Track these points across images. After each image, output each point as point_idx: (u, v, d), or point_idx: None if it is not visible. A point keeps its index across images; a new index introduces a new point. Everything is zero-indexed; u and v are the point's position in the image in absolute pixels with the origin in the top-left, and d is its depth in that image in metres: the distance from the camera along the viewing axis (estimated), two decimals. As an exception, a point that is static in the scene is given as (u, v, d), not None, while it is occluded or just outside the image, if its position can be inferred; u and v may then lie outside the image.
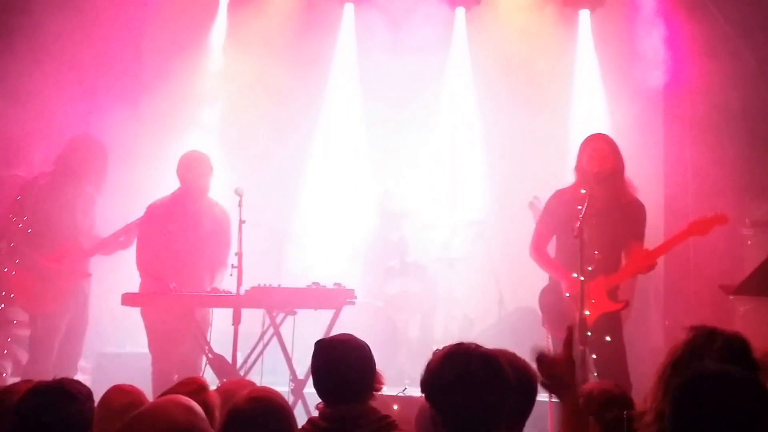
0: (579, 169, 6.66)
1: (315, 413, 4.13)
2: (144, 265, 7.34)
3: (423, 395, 3.44)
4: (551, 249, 6.89)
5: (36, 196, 7.42)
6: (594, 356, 6.20)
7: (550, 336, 6.71)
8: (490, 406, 3.30)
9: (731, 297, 8.14)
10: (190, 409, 2.88)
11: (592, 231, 6.18)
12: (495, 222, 9.38)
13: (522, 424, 3.76)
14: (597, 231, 6.31)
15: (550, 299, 6.72)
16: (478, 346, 3.43)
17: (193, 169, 7.44)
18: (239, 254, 6.77)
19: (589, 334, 5.83)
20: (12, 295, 7.40)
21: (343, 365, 4.00)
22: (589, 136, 6.83)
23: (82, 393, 3.36)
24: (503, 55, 10.20)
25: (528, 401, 3.78)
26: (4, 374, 7.81)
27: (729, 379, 2.85)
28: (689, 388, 2.86)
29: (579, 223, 5.88)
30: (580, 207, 6.04)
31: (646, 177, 8.41)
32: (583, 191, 6.34)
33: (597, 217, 6.34)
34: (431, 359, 3.42)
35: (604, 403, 4.23)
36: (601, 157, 6.56)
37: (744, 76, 8.83)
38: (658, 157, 9.48)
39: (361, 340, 4.12)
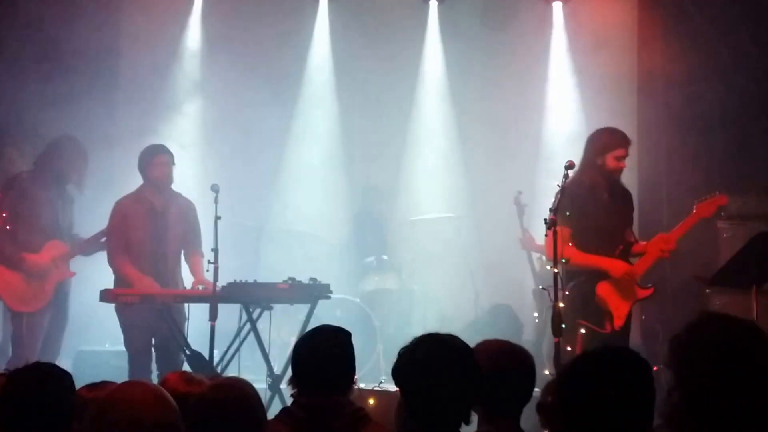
0: (598, 159, 6.61)
1: None
2: (115, 262, 7.32)
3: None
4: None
5: (17, 194, 7.38)
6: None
7: (583, 330, 6.52)
8: (459, 396, 3.31)
9: (708, 291, 8.19)
10: (158, 390, 2.86)
11: (616, 221, 6.34)
12: (472, 219, 9.39)
13: (518, 412, 3.78)
14: (609, 224, 6.42)
15: (585, 293, 6.57)
16: (451, 336, 3.46)
17: (154, 162, 7.43)
18: (215, 250, 6.76)
19: (564, 326, 5.81)
20: (-6, 292, 7.37)
21: (333, 353, 3.96)
22: (619, 134, 6.69)
23: (61, 375, 3.33)
24: (478, 49, 10.24)
25: (525, 390, 3.80)
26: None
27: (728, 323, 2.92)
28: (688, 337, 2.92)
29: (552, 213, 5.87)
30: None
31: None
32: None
33: (612, 208, 6.46)
34: (403, 347, 3.43)
35: None
36: (623, 164, 6.63)
37: (718, 70, 8.88)
38: (632, 151, 9.48)
39: (348, 331, 4.09)
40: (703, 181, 8.62)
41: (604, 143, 6.63)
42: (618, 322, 6.33)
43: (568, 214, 6.21)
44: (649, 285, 6.66)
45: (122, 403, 2.78)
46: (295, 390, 3.99)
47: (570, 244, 6.33)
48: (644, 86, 9.52)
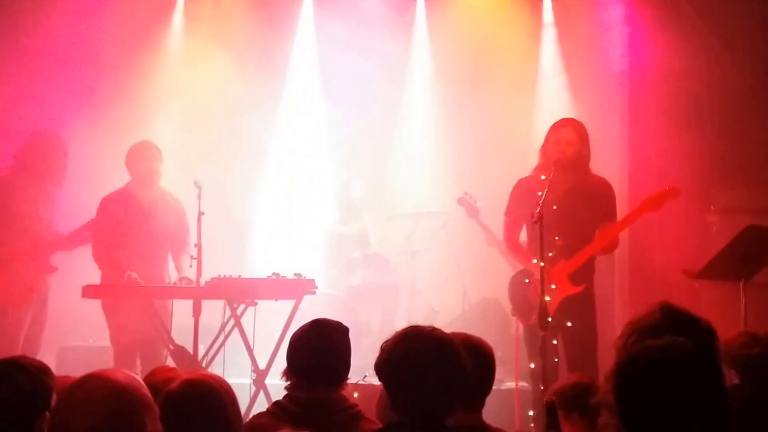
0: (543, 152, 6.64)
1: None
2: (101, 257, 7.31)
3: None
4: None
5: (-3, 192, 7.35)
6: (555, 342, 6.19)
7: (521, 325, 6.68)
8: (442, 389, 3.27)
9: (697, 285, 8.14)
10: (118, 383, 2.80)
11: (552, 217, 6.13)
12: (457, 213, 9.33)
13: (480, 404, 3.73)
14: (557, 216, 6.28)
15: (517, 288, 6.71)
16: (433, 329, 3.43)
17: (141, 158, 7.43)
18: (198, 246, 6.74)
19: (550, 320, 5.79)
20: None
21: (332, 348, 3.92)
22: (558, 121, 6.79)
23: (38, 366, 3.28)
24: (466, 44, 10.19)
25: (485, 381, 3.75)
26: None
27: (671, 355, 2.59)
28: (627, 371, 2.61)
29: (538, 209, 5.83)
30: (540, 193, 6.01)
31: (610, 165, 8.44)
32: (543, 177, 6.30)
33: (558, 202, 6.31)
34: (386, 341, 3.40)
35: (580, 395, 4.20)
36: (566, 144, 6.54)
37: (710, 62, 8.83)
38: (623, 145, 9.47)
39: (346, 327, 4.04)
40: (693, 175, 8.57)
41: (548, 133, 6.72)
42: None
43: (554, 207, 6.21)
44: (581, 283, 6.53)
45: (79, 394, 2.76)
46: (289, 383, 3.93)
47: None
48: (635, 82, 9.46)
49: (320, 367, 3.87)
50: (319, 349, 3.90)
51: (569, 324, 6.32)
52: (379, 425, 3.75)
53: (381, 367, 3.36)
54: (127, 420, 2.71)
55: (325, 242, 9.55)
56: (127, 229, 7.31)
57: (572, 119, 6.90)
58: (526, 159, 7.35)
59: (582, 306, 6.51)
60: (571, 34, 9.95)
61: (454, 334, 3.74)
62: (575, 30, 9.90)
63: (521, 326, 6.67)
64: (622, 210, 7.11)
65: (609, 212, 6.65)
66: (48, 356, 8.32)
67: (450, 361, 3.30)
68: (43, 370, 3.28)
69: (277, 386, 4.03)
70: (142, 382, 2.87)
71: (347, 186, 9.76)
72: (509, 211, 6.84)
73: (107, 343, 7.43)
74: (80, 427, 2.68)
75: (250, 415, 4.51)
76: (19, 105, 8.75)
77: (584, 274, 6.53)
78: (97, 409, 2.68)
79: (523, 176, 6.88)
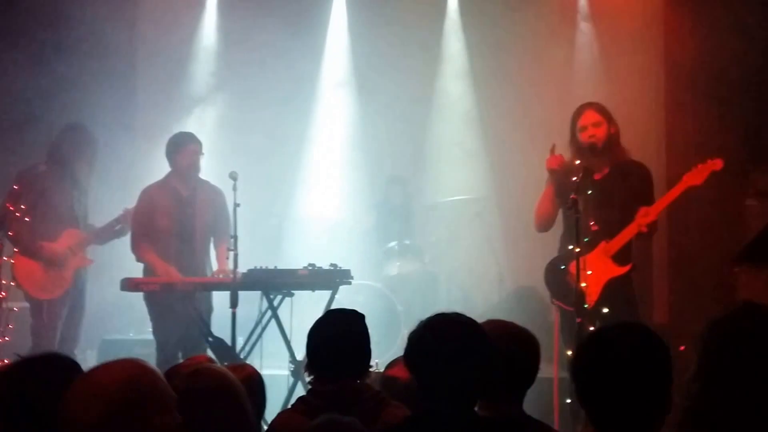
0: (572, 141, 6.53)
1: None
2: (138, 249, 7.35)
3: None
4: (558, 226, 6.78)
5: (33, 185, 7.43)
6: (591, 329, 6.09)
7: (558, 310, 6.60)
8: (469, 376, 3.25)
9: (736, 269, 8.05)
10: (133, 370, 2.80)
11: (588, 203, 6.07)
12: (494, 200, 9.32)
13: (521, 395, 3.71)
14: (593, 202, 6.20)
15: (555, 274, 6.61)
16: (459, 315, 3.39)
17: (182, 151, 7.45)
18: (234, 237, 6.76)
19: (586, 306, 5.74)
20: (13, 283, 7.41)
21: (345, 337, 3.92)
22: (577, 109, 6.68)
23: (68, 363, 3.28)
24: (500, 31, 10.13)
25: (527, 372, 3.71)
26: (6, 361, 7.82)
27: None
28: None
29: (573, 194, 5.78)
30: (574, 179, 5.95)
31: (647, 149, 8.35)
32: (577, 162, 6.23)
33: (593, 188, 6.23)
34: (414, 328, 3.39)
35: None
36: (593, 126, 6.42)
37: (745, 43, 8.70)
38: (659, 129, 9.38)
39: (360, 313, 4.03)
40: (734, 160, 8.45)
41: (571, 120, 6.57)
42: (589, 299, 6.10)
43: (589, 193, 6.15)
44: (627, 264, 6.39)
45: (83, 386, 2.74)
46: (311, 377, 3.94)
47: None
48: (671, 68, 9.35)
49: (336, 360, 3.86)
50: (332, 341, 3.89)
51: (605, 310, 6.21)
52: (403, 409, 3.77)
53: (408, 356, 3.35)
54: (130, 413, 2.68)
55: (362, 233, 9.57)
56: (166, 221, 7.35)
57: (590, 102, 6.78)
58: (564, 146, 7.29)
59: (627, 289, 6.39)
60: (606, 20, 9.88)
61: (496, 323, 3.73)
62: (610, 15, 9.81)
63: (559, 311, 6.59)
64: (660, 195, 7.00)
65: (647, 196, 6.49)
66: (90, 349, 8.46)
67: (477, 347, 3.26)
68: (75, 366, 3.28)
69: (317, 377, 4.03)
70: (157, 373, 2.83)
71: (383, 176, 9.77)
72: (549, 181, 6.63)
73: (148, 335, 7.52)
74: (84, 419, 2.65)
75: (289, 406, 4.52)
76: (52, 97, 8.82)
77: (627, 255, 6.45)
78: (100, 401, 2.65)
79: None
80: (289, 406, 4.04)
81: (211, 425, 3.30)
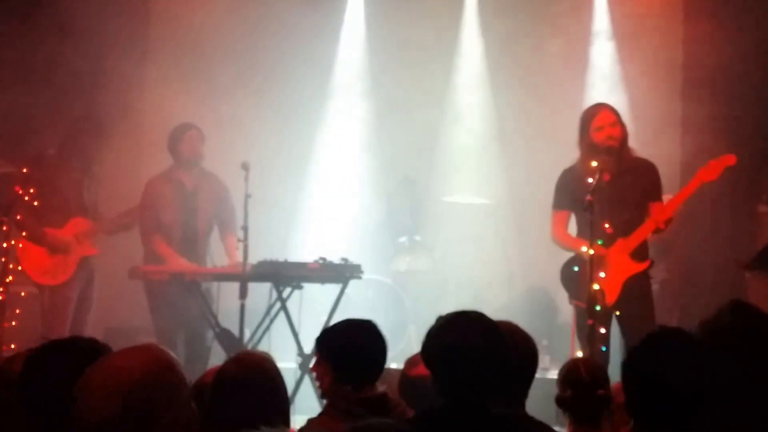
0: (585, 142, 6.47)
1: None
2: (149, 240, 7.37)
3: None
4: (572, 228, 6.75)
5: (43, 170, 7.44)
6: (603, 330, 6.06)
7: (576, 310, 6.56)
8: (486, 374, 3.25)
9: (746, 276, 8.01)
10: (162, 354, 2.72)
11: (601, 203, 6.03)
12: (507, 202, 9.28)
13: (523, 397, 3.71)
14: (607, 202, 6.16)
15: (572, 275, 6.55)
16: (479, 314, 3.40)
17: (183, 140, 7.45)
18: (245, 228, 6.75)
19: (598, 308, 5.72)
20: (20, 268, 7.40)
21: (378, 346, 3.94)
22: (591, 107, 6.63)
23: (94, 346, 3.18)
24: (516, 31, 10.09)
25: (527, 374, 3.72)
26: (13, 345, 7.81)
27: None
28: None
29: (589, 195, 5.74)
30: (591, 180, 5.91)
31: (663, 150, 8.28)
32: (594, 164, 6.17)
33: (606, 188, 6.19)
34: (432, 326, 3.38)
35: None
36: (610, 126, 6.37)
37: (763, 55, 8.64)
38: (675, 133, 9.31)
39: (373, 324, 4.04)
40: (746, 166, 8.40)
41: (582, 121, 6.51)
42: (609, 298, 6.10)
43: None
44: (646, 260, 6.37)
45: (90, 383, 2.61)
46: (345, 386, 3.85)
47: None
48: (690, 70, 9.28)
49: (374, 368, 3.89)
50: (368, 351, 3.91)
51: (617, 313, 6.19)
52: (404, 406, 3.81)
53: (427, 353, 3.35)
54: (147, 408, 2.56)
55: (373, 228, 9.56)
56: (171, 211, 7.37)
57: (602, 103, 6.74)
58: (576, 149, 7.27)
59: (645, 286, 6.36)
60: (624, 19, 9.82)
61: (500, 322, 3.71)
62: (628, 15, 9.76)
63: (576, 310, 6.54)
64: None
65: (654, 193, 6.47)
66: (94, 337, 8.40)
67: (496, 347, 3.27)
68: (97, 350, 3.17)
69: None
70: (174, 363, 2.69)
71: (395, 172, 9.75)
72: (556, 203, 6.69)
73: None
74: (101, 413, 2.53)
75: (295, 400, 4.49)
76: (73, 88, 8.81)
77: (644, 252, 6.41)
78: (117, 395, 2.53)
79: (567, 167, 6.74)
80: (322, 413, 3.94)
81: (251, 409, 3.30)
